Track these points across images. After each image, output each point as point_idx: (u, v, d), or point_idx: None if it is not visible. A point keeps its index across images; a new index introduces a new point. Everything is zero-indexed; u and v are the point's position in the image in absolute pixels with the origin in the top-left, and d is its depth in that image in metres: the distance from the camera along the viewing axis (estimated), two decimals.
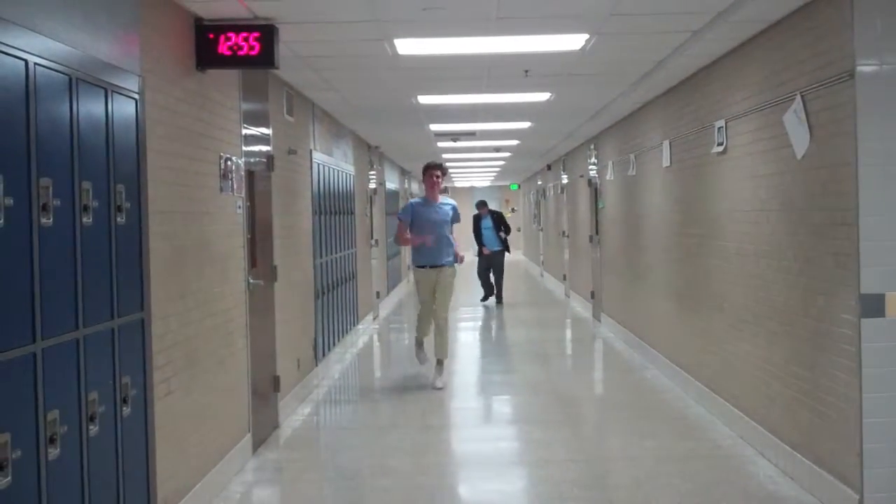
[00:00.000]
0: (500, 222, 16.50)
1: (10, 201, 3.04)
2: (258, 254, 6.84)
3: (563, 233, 18.07)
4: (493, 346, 11.97)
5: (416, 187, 26.02)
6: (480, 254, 16.31)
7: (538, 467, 6.13)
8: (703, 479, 5.66)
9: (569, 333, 13.63)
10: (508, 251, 16.46)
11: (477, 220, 16.53)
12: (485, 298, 16.33)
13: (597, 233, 13.54)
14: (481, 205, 16.90)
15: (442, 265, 8.84)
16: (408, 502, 5.37)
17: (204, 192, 5.45)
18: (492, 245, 16.26)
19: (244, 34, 5.31)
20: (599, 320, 13.20)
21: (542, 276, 23.28)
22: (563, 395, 8.45)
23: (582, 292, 15.38)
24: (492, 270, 16.22)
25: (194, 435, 5.12)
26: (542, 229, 23.98)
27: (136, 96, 4.25)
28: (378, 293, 14.86)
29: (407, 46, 6.43)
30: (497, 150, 16.45)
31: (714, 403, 7.15)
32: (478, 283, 17.26)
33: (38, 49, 3.30)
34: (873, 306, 4.64)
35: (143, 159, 4.33)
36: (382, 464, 6.17)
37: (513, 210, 35.19)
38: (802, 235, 5.38)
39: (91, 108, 3.76)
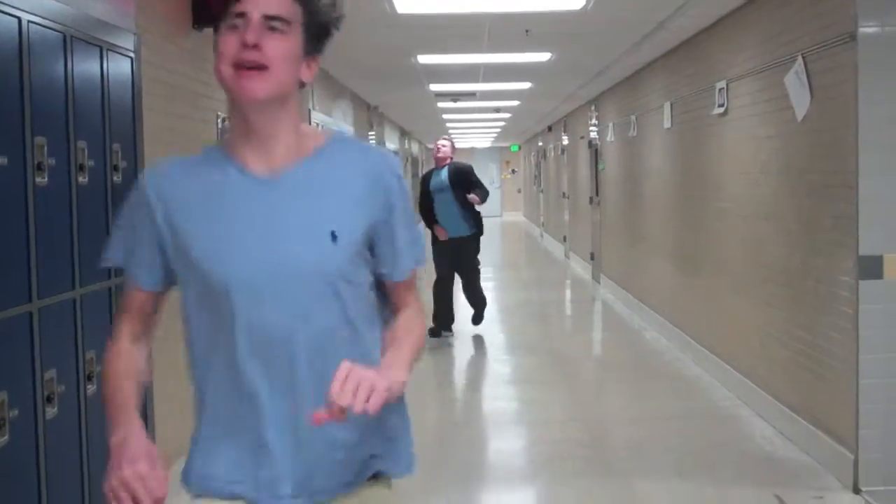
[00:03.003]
0: (466, 183, 8.86)
1: (3, 160, 3.02)
2: None
3: (564, 194, 18.04)
4: (491, 306, 11.99)
5: (416, 148, 25.94)
6: (434, 241, 8.93)
7: (537, 427, 6.16)
8: (701, 439, 5.69)
9: (568, 294, 13.64)
10: (481, 233, 9.04)
11: (425, 182, 9.09)
12: (436, 331, 8.95)
13: (597, 194, 13.51)
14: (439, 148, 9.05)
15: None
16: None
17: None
18: (454, 226, 8.88)
19: None
20: (599, 282, 13.22)
21: (541, 237, 23.27)
22: (562, 356, 8.47)
23: (582, 254, 15.38)
24: (458, 273, 8.98)
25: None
26: (542, 191, 23.93)
27: (132, 55, 4.21)
28: None
29: (406, 4, 6.36)
30: (497, 111, 16.36)
31: (713, 365, 7.18)
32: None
33: (32, 6, 3.26)
34: (871, 268, 4.63)
35: (140, 118, 4.29)
36: None
37: (513, 171, 35.13)
38: (802, 197, 5.36)
39: (86, 66, 3.73)
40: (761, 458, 5.31)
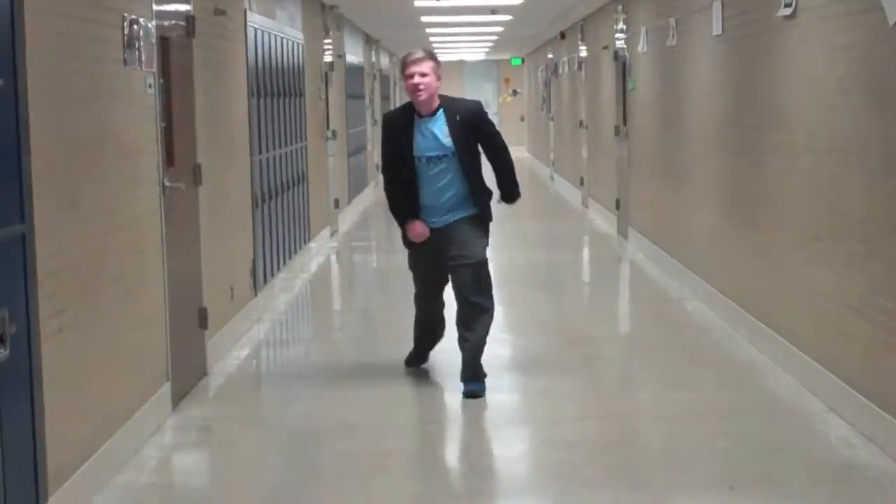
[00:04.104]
0: (483, 141, 6.75)
1: None
2: (176, 148, 6.79)
3: (581, 123, 18.02)
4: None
5: (387, 61, 25.82)
6: (409, 243, 6.82)
7: (545, 426, 6.19)
8: (756, 441, 5.73)
9: (586, 254, 13.67)
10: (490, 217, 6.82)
11: (395, 135, 6.69)
12: (417, 358, 7.27)
13: (624, 123, 13.49)
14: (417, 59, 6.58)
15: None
16: (377, 472, 5.42)
17: (103, 65, 5.38)
18: (450, 211, 6.69)
19: None
20: (626, 237, 13.25)
21: (552, 179, 23.26)
22: (578, 335, 8.50)
23: (604, 201, 15.39)
24: (457, 291, 6.72)
25: (95, 385, 5.13)
26: (552, 118, 23.88)
27: None
28: (337, 201, 14.83)
29: None
30: (493, 12, 16.28)
31: (772, 344, 7.22)
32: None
33: None
34: None
35: (19, 22, 4.24)
36: (344, 422, 6.22)
37: (514, 92, 35.03)
38: (892, 125, 5.36)
39: None
40: (836, 466, 5.36)
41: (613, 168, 14.31)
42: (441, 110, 6.56)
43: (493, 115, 34.14)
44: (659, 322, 8.95)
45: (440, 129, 6.52)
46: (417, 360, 7.22)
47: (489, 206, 6.78)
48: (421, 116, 6.55)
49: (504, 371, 7.47)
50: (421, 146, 6.53)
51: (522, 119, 33.76)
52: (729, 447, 5.65)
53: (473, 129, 6.61)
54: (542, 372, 7.35)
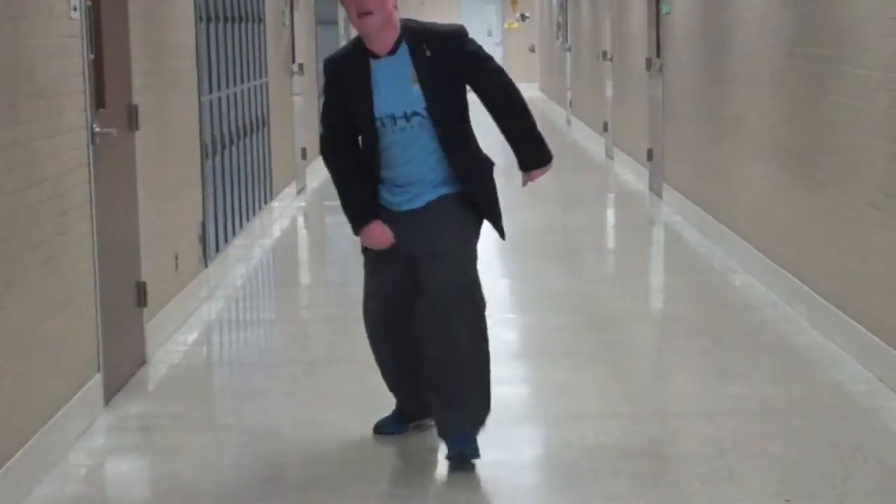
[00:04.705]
0: (463, 69, 5.51)
1: None
2: (108, 86, 6.77)
3: (604, 55, 17.99)
4: (494, 236, 12.00)
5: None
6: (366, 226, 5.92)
7: (561, 426, 6.20)
8: (819, 444, 5.74)
9: (611, 216, 13.66)
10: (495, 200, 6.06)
11: (358, 75, 5.51)
12: (399, 419, 5.99)
13: (658, 55, 13.48)
14: None
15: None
16: (352, 480, 5.43)
17: None
18: (411, 180, 5.66)
19: None
20: (660, 195, 13.25)
21: (568, 123, 23.24)
22: (602, 315, 8.51)
23: (633, 151, 15.39)
24: (426, 295, 5.71)
25: (10, 377, 5.13)
26: (569, 49, 23.83)
27: None
28: (304, 150, 14.80)
29: None
30: None
31: (839, 327, 7.23)
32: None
33: None
34: None
35: None
36: (313, 419, 6.24)
37: (523, 17, 34.92)
38: None
39: None
40: None
41: (644, 111, 14.30)
42: (404, 45, 5.43)
43: (496, 46, 33.94)
44: (700, 299, 8.96)
45: (405, 72, 5.43)
46: (394, 425, 5.97)
47: (485, 182, 5.80)
48: (377, 57, 5.44)
49: (511, 359, 7.49)
50: (386, 101, 5.44)
51: (533, 50, 33.69)
52: (785, 452, 5.66)
53: (454, 67, 5.46)
54: (558, 360, 7.37)
